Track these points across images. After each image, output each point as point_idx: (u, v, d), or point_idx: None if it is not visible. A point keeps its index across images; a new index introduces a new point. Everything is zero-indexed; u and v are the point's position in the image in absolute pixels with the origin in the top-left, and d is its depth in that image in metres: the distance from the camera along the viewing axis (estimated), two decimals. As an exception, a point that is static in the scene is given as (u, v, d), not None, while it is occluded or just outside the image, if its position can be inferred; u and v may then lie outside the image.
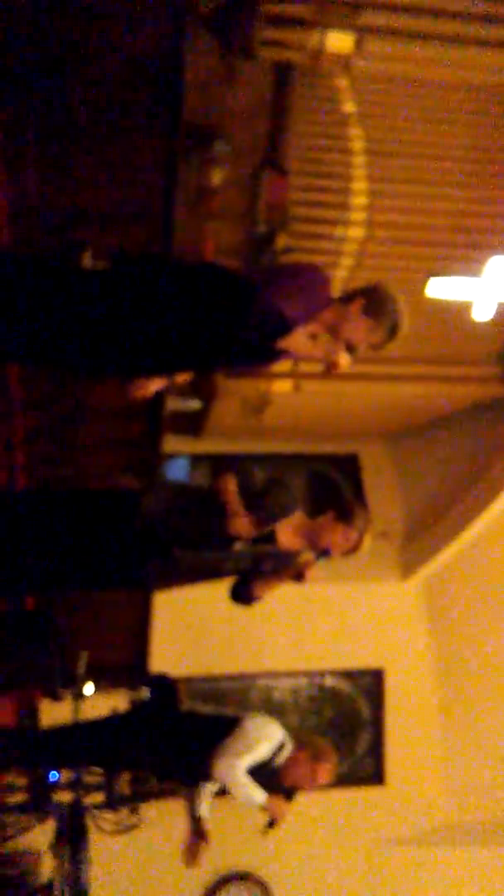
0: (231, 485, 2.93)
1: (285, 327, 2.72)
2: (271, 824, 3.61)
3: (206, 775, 3.65)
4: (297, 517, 3.06)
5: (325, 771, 3.69)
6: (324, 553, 3.05)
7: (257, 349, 2.82)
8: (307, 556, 3.08)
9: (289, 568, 3.09)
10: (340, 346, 2.79)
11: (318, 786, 3.72)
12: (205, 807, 3.83)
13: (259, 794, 3.55)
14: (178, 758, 3.78)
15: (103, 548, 2.93)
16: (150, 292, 2.71)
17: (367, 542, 3.06)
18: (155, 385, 2.93)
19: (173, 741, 3.78)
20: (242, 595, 3.13)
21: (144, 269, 2.81)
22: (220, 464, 3.09)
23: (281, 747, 3.66)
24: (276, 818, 3.60)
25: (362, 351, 2.84)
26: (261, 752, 3.60)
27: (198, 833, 3.79)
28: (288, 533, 3.04)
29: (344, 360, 2.78)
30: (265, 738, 3.62)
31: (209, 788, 3.85)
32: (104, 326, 2.70)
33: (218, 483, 2.96)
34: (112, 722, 4.03)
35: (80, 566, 2.98)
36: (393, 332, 2.80)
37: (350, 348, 2.81)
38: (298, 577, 3.04)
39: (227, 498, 2.90)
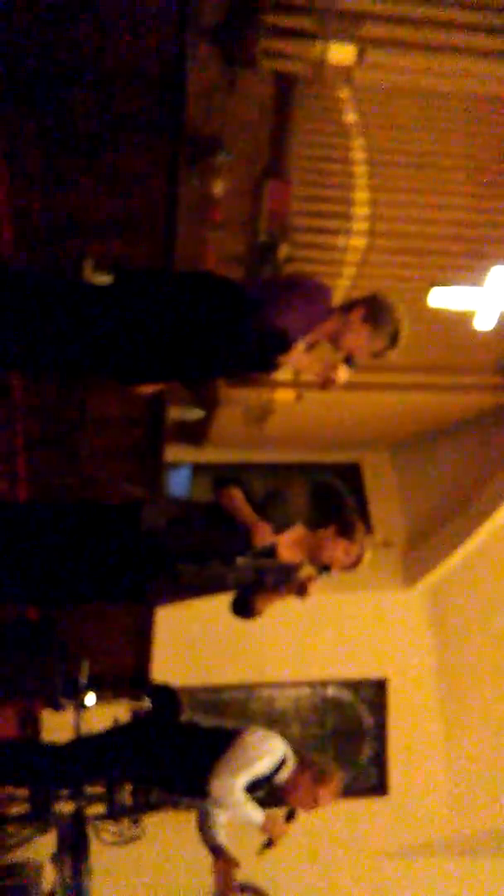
0: (238, 496, 2.92)
1: (284, 344, 2.73)
2: (269, 844, 3.56)
3: (205, 791, 3.62)
4: (298, 530, 3.06)
5: (327, 794, 3.61)
6: (325, 568, 3.05)
7: (256, 361, 2.84)
8: (308, 570, 3.08)
9: (290, 581, 3.08)
10: (339, 359, 2.81)
11: (319, 808, 3.65)
12: (222, 834, 3.76)
13: (257, 814, 3.51)
14: (178, 771, 3.75)
15: (105, 561, 2.93)
16: (150, 307, 2.73)
17: (368, 557, 3.06)
18: (153, 386, 2.94)
19: (174, 754, 3.75)
20: (243, 609, 3.12)
21: (145, 284, 2.83)
22: (219, 478, 3.08)
23: (282, 763, 3.60)
24: (274, 838, 3.55)
25: (363, 360, 2.85)
26: (260, 768, 3.54)
27: (225, 861, 3.75)
28: (288, 546, 3.03)
29: (342, 375, 2.80)
30: (265, 753, 3.56)
31: (221, 815, 3.77)
32: (105, 339, 2.71)
33: (223, 497, 2.95)
34: (113, 737, 4.00)
35: (81, 580, 2.97)
36: (394, 338, 2.82)
37: (350, 359, 2.82)
38: (301, 591, 3.03)
39: (239, 511, 2.88)
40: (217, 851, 3.76)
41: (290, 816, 3.61)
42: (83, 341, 2.71)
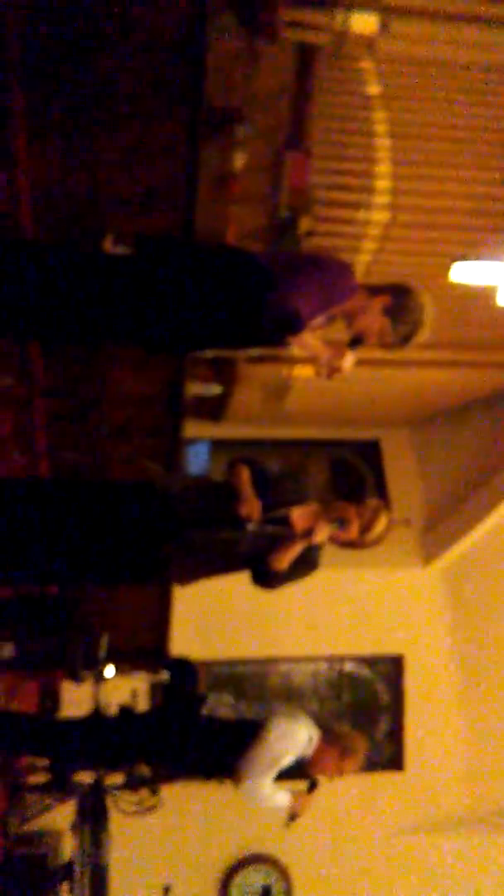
0: (244, 473, 2.97)
1: (296, 325, 2.73)
2: (293, 818, 3.64)
3: (229, 779, 3.65)
4: (313, 507, 3.08)
5: (352, 763, 3.70)
6: (341, 523, 3.04)
7: (268, 336, 2.84)
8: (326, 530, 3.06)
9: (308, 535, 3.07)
10: (345, 344, 2.80)
11: (343, 776, 3.72)
12: (282, 796, 3.73)
13: (283, 799, 3.59)
14: (201, 766, 3.78)
15: (121, 539, 2.95)
16: (171, 278, 2.72)
17: (382, 522, 3.05)
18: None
19: (196, 751, 3.76)
20: (261, 574, 3.12)
21: (166, 255, 2.82)
22: (233, 458, 3.14)
23: (308, 741, 3.65)
24: (299, 813, 3.62)
25: (369, 345, 2.84)
26: (286, 762, 3.58)
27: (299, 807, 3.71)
28: (302, 516, 3.05)
29: (347, 363, 2.80)
30: (289, 749, 3.59)
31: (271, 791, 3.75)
32: (124, 308, 2.72)
33: (232, 475, 3.00)
34: (132, 724, 4.02)
35: (98, 559, 3.00)
36: (405, 340, 2.83)
37: (357, 341, 2.82)
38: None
39: (240, 486, 2.94)
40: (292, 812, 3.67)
41: (312, 787, 3.67)
42: (103, 312, 2.72)
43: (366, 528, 3.04)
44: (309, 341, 2.81)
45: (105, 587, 5.09)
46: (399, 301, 2.81)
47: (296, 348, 2.92)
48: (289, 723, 3.70)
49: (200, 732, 3.78)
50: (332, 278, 2.83)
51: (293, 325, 2.74)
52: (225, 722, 3.82)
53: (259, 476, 3.02)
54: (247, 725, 3.73)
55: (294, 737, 3.64)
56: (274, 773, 3.58)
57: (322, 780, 3.71)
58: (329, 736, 3.73)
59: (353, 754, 3.71)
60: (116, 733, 4.02)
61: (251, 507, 2.91)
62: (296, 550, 3.03)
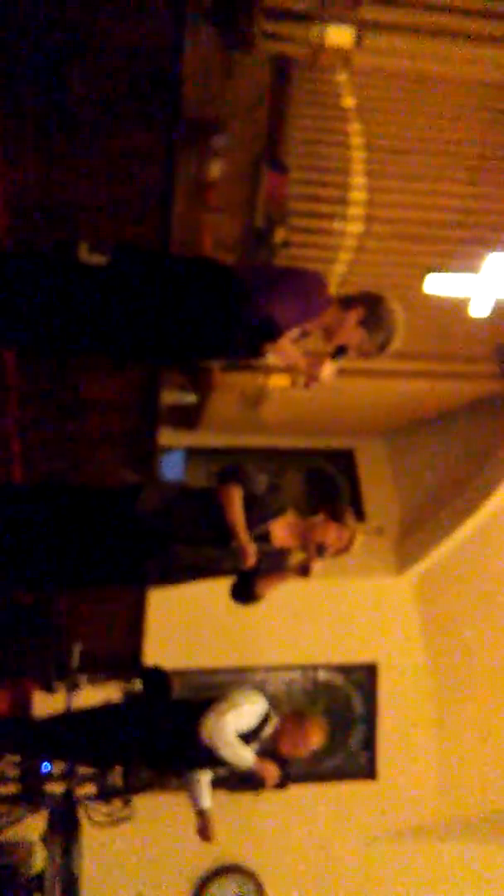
0: (237, 501, 2.91)
1: (272, 332, 2.75)
2: (260, 785, 3.77)
3: (197, 750, 3.71)
4: (290, 516, 3.09)
5: (315, 732, 3.84)
6: (319, 551, 3.08)
7: (245, 347, 2.85)
8: (299, 556, 3.11)
9: (282, 566, 3.11)
10: (326, 354, 2.84)
11: (312, 749, 3.86)
12: (207, 797, 3.97)
13: (248, 754, 3.67)
14: (170, 744, 3.83)
15: (101, 545, 2.94)
16: (146, 289, 2.73)
17: (358, 540, 3.10)
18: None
19: (165, 729, 3.83)
20: (243, 594, 3.15)
21: (141, 265, 2.83)
22: (223, 470, 3.09)
23: (266, 718, 3.77)
24: (266, 780, 3.73)
25: (350, 356, 2.88)
26: (245, 713, 3.72)
27: (205, 825, 3.97)
28: (282, 532, 3.06)
29: (326, 371, 2.83)
30: (248, 701, 3.75)
31: (206, 779, 3.95)
32: (99, 318, 2.72)
33: (223, 496, 2.95)
34: (105, 714, 4.05)
35: (77, 563, 2.99)
36: (382, 348, 2.89)
37: (339, 352, 2.86)
38: (304, 571, 3.08)
39: (234, 522, 2.90)
40: (201, 814, 3.97)
41: (283, 766, 3.79)
42: (77, 321, 2.72)
43: (342, 550, 3.08)
44: (287, 349, 2.83)
45: (80, 593, 5.08)
46: (372, 311, 2.86)
47: (273, 357, 2.93)
48: (247, 687, 3.95)
49: (170, 710, 3.97)
50: (307, 290, 2.86)
51: (269, 332, 2.75)
52: (192, 700, 4.04)
53: (251, 492, 3.01)
54: (210, 699, 3.87)
55: (252, 694, 3.81)
56: (235, 716, 3.68)
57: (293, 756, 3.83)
58: (285, 714, 3.89)
59: (312, 721, 3.87)
60: (91, 717, 4.07)
61: (249, 554, 2.87)
62: (286, 581, 3.09)
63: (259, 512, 2.98)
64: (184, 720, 3.80)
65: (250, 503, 2.98)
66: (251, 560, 2.89)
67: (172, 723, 3.85)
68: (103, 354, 2.94)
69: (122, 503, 2.97)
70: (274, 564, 3.14)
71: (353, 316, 2.84)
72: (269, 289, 2.77)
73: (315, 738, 3.86)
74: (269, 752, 3.80)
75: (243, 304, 2.73)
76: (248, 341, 2.80)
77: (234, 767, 3.75)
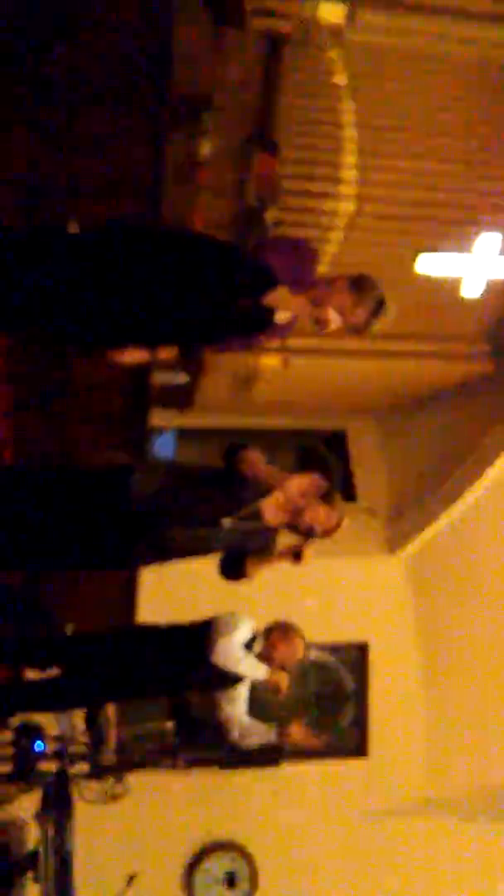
0: (259, 460, 2.98)
1: (271, 281, 2.70)
2: (277, 692, 4.00)
3: (208, 672, 3.89)
4: (279, 494, 3.08)
5: (300, 636, 4.11)
6: (309, 533, 3.09)
7: (247, 315, 2.79)
8: (291, 539, 3.12)
9: (272, 545, 3.12)
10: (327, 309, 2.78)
11: (305, 652, 4.16)
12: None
13: (261, 667, 3.91)
14: (178, 670, 4.03)
15: (92, 527, 2.93)
16: (139, 256, 2.69)
17: (346, 523, 3.11)
18: (136, 355, 2.90)
19: (171, 658, 4.04)
20: (232, 571, 3.16)
21: (134, 234, 2.79)
22: (231, 446, 3.09)
23: (254, 637, 4.02)
24: (280, 688, 3.97)
25: (349, 323, 2.82)
26: (242, 630, 3.98)
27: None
28: (273, 509, 3.06)
29: (334, 316, 2.76)
30: (242, 620, 4.05)
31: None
32: (93, 292, 2.68)
33: (243, 463, 2.97)
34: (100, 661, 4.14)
35: (67, 544, 2.98)
36: (378, 308, 2.79)
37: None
38: (297, 556, 3.10)
39: (266, 475, 2.95)
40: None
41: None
42: (70, 296, 2.68)
43: (330, 532, 3.09)
44: (290, 297, 2.76)
45: (70, 574, 5.08)
46: (356, 278, 2.82)
47: (272, 301, 2.81)
48: (234, 613, 4.11)
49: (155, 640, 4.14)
50: (298, 252, 2.86)
51: (268, 280, 2.71)
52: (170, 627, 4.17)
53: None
54: (195, 624, 4.07)
55: (237, 614, 4.06)
56: (238, 635, 3.92)
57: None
58: (270, 630, 4.11)
59: (291, 632, 4.09)
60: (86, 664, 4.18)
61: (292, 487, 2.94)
62: (278, 563, 3.11)
63: (248, 489, 2.98)
64: (185, 646, 3.98)
65: (243, 481, 2.98)
66: (278, 518, 2.95)
67: (175, 651, 4.03)
68: (99, 336, 2.87)
69: (113, 484, 2.96)
70: (264, 542, 3.14)
71: (341, 282, 2.81)
72: (263, 251, 2.77)
73: (301, 641, 4.10)
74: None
75: (238, 262, 2.70)
76: (248, 298, 2.73)
77: (250, 680, 3.97)
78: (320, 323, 2.78)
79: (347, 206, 4.94)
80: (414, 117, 4.89)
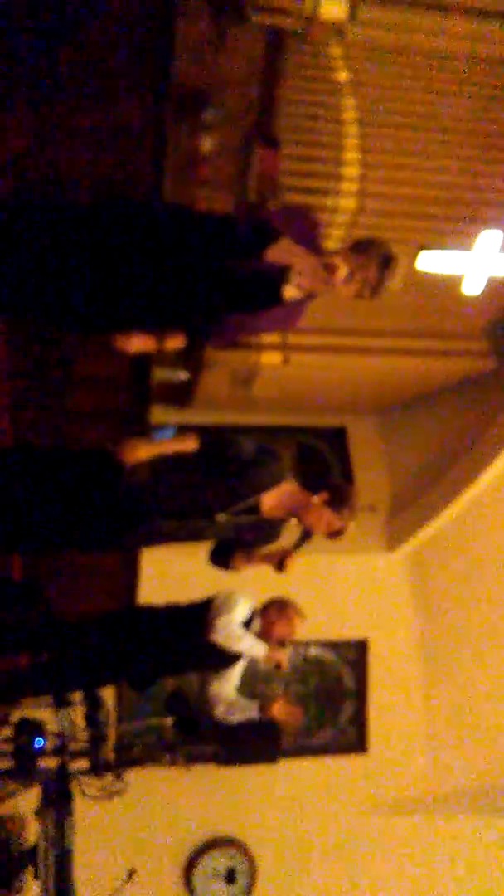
0: (171, 444, 2.99)
1: (272, 233, 2.63)
2: (278, 667, 4.02)
3: (208, 651, 3.88)
4: (288, 485, 3.06)
5: (298, 610, 4.06)
6: (306, 535, 3.09)
7: (254, 283, 2.72)
8: (291, 535, 3.12)
9: (275, 535, 3.11)
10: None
11: (303, 623, 4.10)
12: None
13: (260, 644, 3.88)
14: (179, 650, 4.02)
15: (85, 511, 2.93)
16: (135, 230, 2.66)
17: (350, 530, 3.08)
18: (142, 342, 2.85)
19: (169, 638, 4.02)
20: (221, 560, 3.17)
21: (128, 208, 2.77)
22: (206, 434, 3.08)
23: (252, 615, 3.98)
24: (281, 664, 3.97)
25: (362, 281, 2.74)
26: (240, 609, 3.93)
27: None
28: (273, 500, 3.04)
29: (342, 269, 2.68)
30: (241, 598, 3.98)
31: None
32: (91, 267, 2.64)
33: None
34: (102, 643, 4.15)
35: (63, 525, 2.97)
36: (387, 262, 2.72)
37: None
38: (280, 566, 3.11)
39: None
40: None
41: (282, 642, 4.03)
42: (64, 275, 2.65)
43: (334, 534, 3.08)
44: (292, 246, 2.65)
45: (70, 565, 5.09)
46: (356, 241, 2.78)
47: (273, 254, 2.68)
48: (233, 592, 4.05)
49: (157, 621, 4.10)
50: (304, 217, 2.83)
51: (268, 233, 2.64)
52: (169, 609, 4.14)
53: (232, 461, 2.98)
54: (193, 605, 4.04)
55: (236, 593, 3.99)
56: (238, 613, 3.88)
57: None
58: (267, 608, 4.06)
59: (297, 610, 4.05)
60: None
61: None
62: (263, 565, 3.10)
63: (246, 484, 2.96)
64: (184, 626, 3.96)
65: (235, 469, 2.96)
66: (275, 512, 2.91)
67: (174, 631, 4.01)
68: (104, 313, 2.81)
69: (108, 470, 2.94)
70: (261, 535, 3.14)
71: (343, 251, 2.75)
72: (264, 212, 2.73)
73: (299, 617, 4.07)
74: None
75: (237, 224, 2.68)
76: (250, 255, 2.64)
77: (250, 657, 3.96)
78: (329, 269, 2.67)
79: (348, 203, 4.94)
80: (415, 114, 4.88)
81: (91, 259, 2.64)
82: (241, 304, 2.80)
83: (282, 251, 2.64)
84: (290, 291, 2.74)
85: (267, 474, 3.01)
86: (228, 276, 2.69)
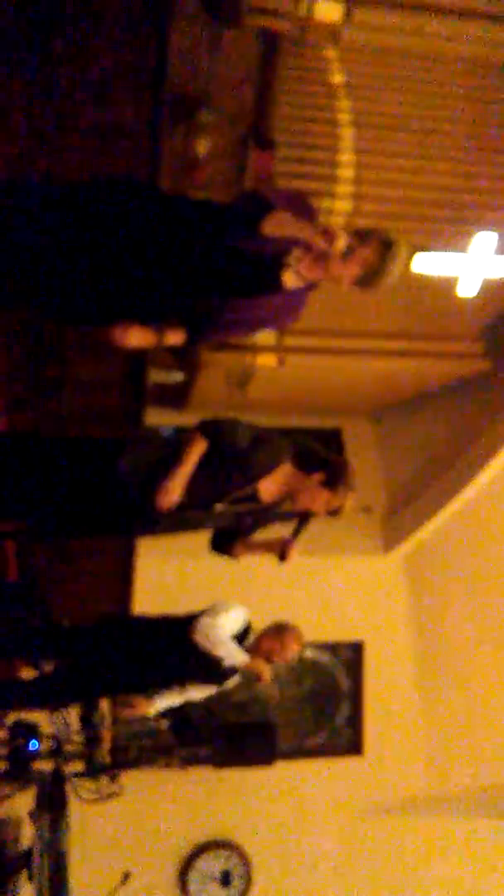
0: (196, 453, 2.91)
1: (267, 205, 2.57)
2: (258, 679, 4.01)
3: (191, 660, 3.90)
4: (285, 468, 3.04)
5: (296, 638, 4.05)
6: (303, 521, 3.08)
7: (252, 266, 2.67)
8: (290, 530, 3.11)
9: (269, 520, 3.10)
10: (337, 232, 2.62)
11: (294, 653, 4.07)
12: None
13: (241, 652, 3.86)
14: (163, 659, 4.02)
15: (81, 498, 2.92)
16: (128, 212, 2.63)
17: (347, 507, 3.07)
18: (141, 336, 2.80)
19: (157, 646, 4.02)
20: (222, 547, 3.18)
21: (120, 189, 2.75)
22: (203, 422, 3.06)
23: (248, 629, 3.98)
24: (261, 676, 3.95)
25: (364, 265, 2.69)
26: (233, 617, 3.92)
27: None
28: (271, 485, 3.02)
29: (341, 241, 2.60)
30: (234, 607, 3.97)
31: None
32: (83, 253, 2.61)
33: (188, 443, 2.95)
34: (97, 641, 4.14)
35: (58, 509, 2.97)
36: (387, 248, 2.66)
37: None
38: (282, 556, 3.09)
39: (180, 463, 2.87)
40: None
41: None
42: (57, 260, 2.63)
43: (332, 513, 3.06)
44: (288, 217, 2.57)
45: (66, 567, 5.09)
46: (354, 231, 2.72)
47: (274, 229, 2.60)
48: (229, 601, 4.06)
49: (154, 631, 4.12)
50: (299, 197, 2.80)
51: (263, 206, 2.59)
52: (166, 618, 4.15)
53: (228, 451, 2.95)
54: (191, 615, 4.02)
55: (232, 603, 4.01)
56: (225, 618, 3.88)
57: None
58: (268, 627, 4.07)
59: (291, 631, 4.05)
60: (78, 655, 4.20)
61: (166, 497, 2.81)
62: (263, 554, 3.10)
63: (242, 471, 2.95)
64: (174, 634, 3.96)
65: (231, 458, 2.94)
66: (163, 498, 2.84)
67: (163, 639, 4.01)
68: (95, 298, 2.77)
69: (105, 457, 2.93)
70: (264, 520, 3.13)
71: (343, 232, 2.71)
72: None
73: (295, 643, 4.05)
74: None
75: (232, 204, 2.65)
76: (247, 230, 2.58)
77: (229, 665, 3.92)
78: (328, 236, 2.59)
79: (344, 205, 4.94)
80: (410, 116, 4.89)
81: (84, 245, 2.61)
82: (239, 289, 2.72)
83: (278, 222, 2.57)
84: (289, 278, 2.68)
85: (263, 460, 2.98)
86: (226, 258, 2.64)
